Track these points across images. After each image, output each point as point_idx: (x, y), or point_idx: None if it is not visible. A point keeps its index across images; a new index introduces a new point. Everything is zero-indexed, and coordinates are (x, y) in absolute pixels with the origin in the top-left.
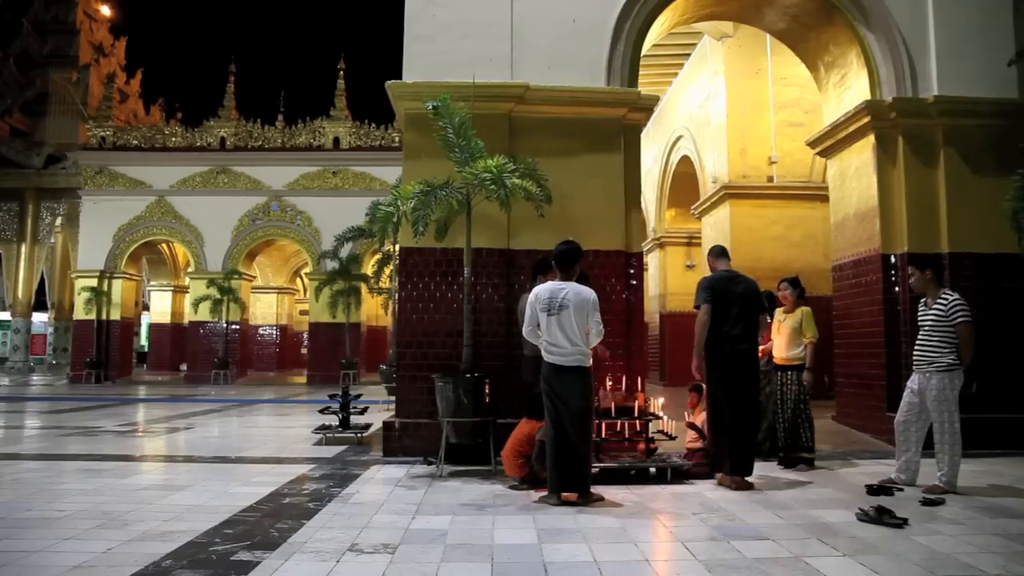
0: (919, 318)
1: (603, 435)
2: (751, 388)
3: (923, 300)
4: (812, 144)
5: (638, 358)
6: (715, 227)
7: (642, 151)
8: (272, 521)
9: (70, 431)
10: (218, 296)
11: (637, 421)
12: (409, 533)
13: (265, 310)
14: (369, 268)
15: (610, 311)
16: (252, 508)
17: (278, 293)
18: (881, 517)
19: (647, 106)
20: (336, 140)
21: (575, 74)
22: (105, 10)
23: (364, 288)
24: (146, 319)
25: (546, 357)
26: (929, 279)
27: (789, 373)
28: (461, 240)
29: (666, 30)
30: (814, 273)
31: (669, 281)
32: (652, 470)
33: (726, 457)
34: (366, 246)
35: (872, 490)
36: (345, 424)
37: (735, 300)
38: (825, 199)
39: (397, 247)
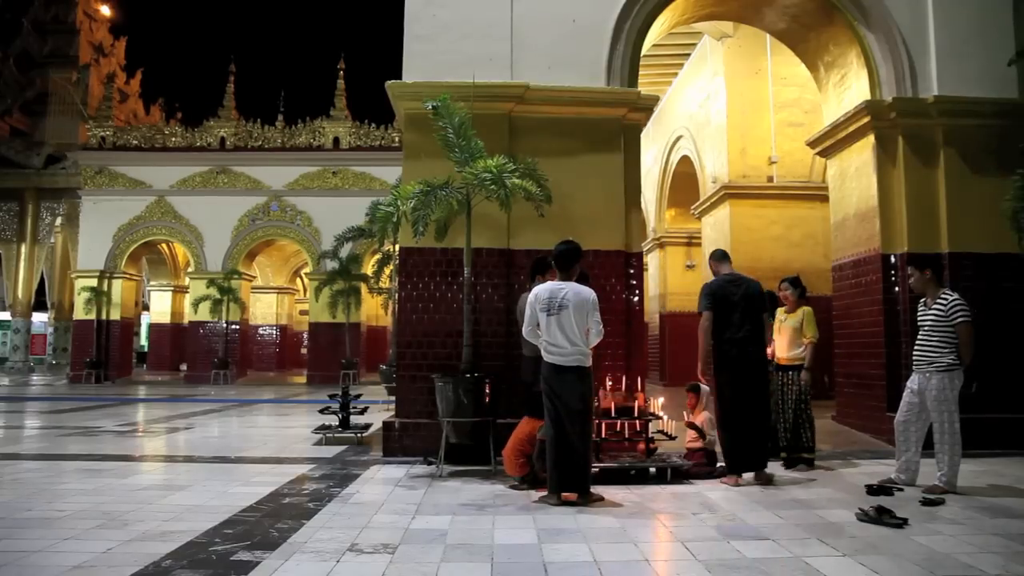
0: (919, 318)
1: (603, 435)
2: (762, 388)
3: (923, 300)
4: (812, 144)
5: (638, 358)
6: (715, 227)
7: (642, 151)
8: (272, 521)
9: (70, 431)
10: (218, 296)
11: (637, 421)
12: (409, 533)
13: (265, 310)
14: (369, 268)
15: (610, 311)
16: (252, 508)
17: (278, 293)
18: (881, 517)
19: (647, 106)
20: (336, 140)
21: (575, 74)
22: (105, 10)
23: (364, 288)
24: (146, 319)
25: (546, 357)
26: (929, 279)
27: (790, 373)
28: (461, 240)
29: (666, 30)
30: (814, 273)
31: (669, 281)
32: (652, 470)
33: (740, 455)
34: (366, 246)
35: (872, 490)
36: (345, 424)
37: (737, 304)
38: (825, 199)
39: (397, 247)
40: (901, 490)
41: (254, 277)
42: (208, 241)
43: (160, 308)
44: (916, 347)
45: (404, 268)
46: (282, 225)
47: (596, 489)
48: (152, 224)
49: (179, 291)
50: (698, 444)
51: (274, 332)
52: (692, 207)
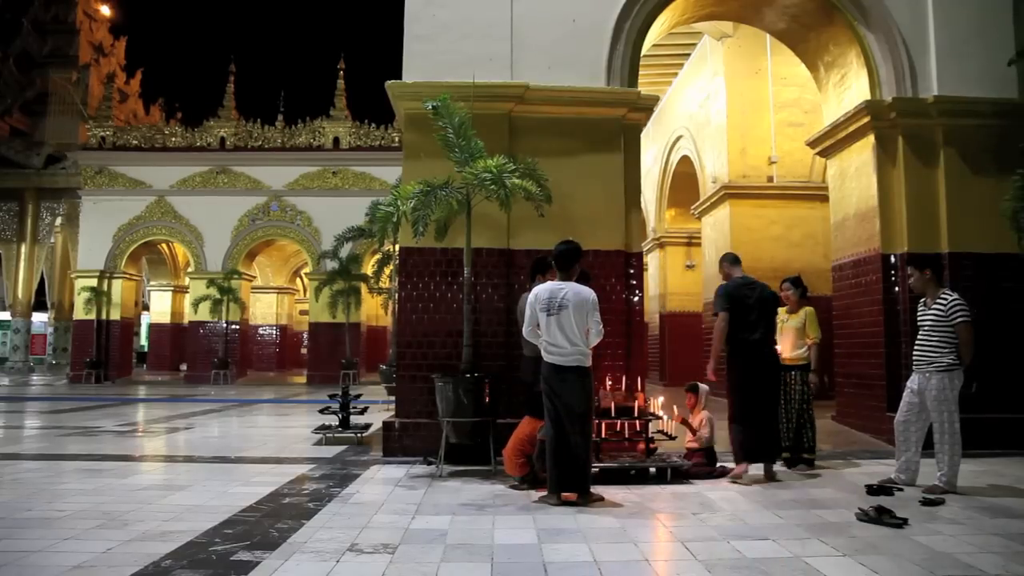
0: (919, 318)
1: (603, 435)
2: (775, 387)
3: (923, 300)
4: (812, 144)
5: (638, 358)
6: (715, 227)
7: (642, 151)
8: (272, 521)
9: (70, 431)
10: (218, 296)
11: (637, 421)
12: (409, 533)
13: (265, 310)
14: (369, 268)
15: (610, 311)
16: (252, 508)
17: (278, 293)
18: (881, 517)
19: (647, 106)
20: (336, 140)
21: (575, 74)
22: (105, 10)
23: (364, 288)
24: (146, 319)
25: (546, 357)
26: (928, 279)
27: (793, 373)
28: (461, 240)
29: (666, 30)
30: (814, 273)
31: (669, 281)
32: (652, 470)
33: (753, 447)
34: (366, 246)
35: (872, 490)
36: (345, 424)
37: (752, 306)
38: (825, 199)
39: (397, 247)
40: (901, 490)
41: (254, 277)
42: (208, 241)
43: (160, 308)
44: (916, 347)
45: (404, 268)
46: (282, 225)
47: (596, 489)
48: (152, 224)
49: (179, 291)
50: (696, 444)
51: (274, 332)
52: (692, 207)
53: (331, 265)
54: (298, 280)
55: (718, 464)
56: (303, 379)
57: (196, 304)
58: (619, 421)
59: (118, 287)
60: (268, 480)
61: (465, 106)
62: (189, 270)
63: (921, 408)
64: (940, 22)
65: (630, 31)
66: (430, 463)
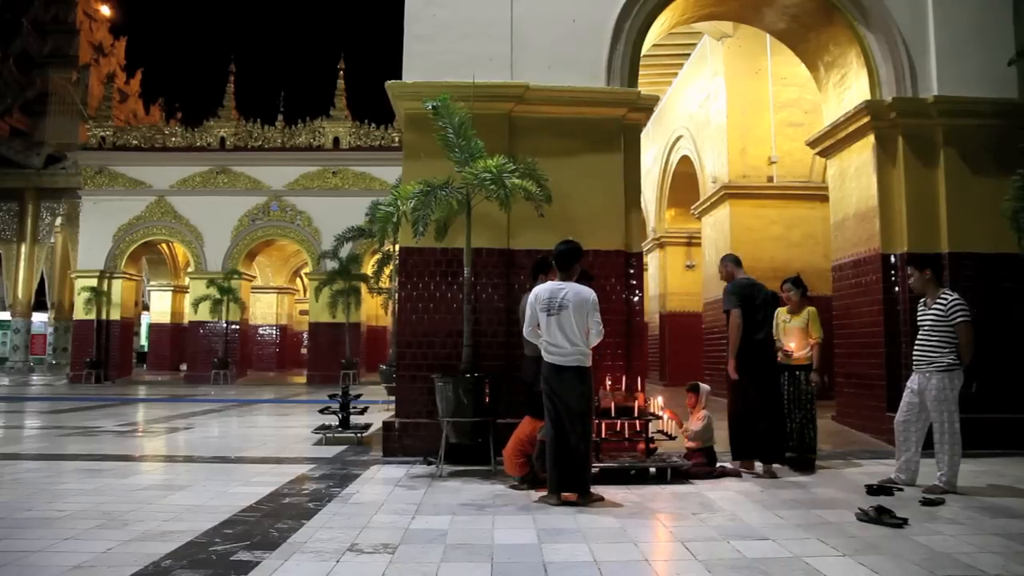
0: (918, 318)
1: (603, 435)
2: (778, 387)
3: (923, 300)
4: (812, 144)
5: (638, 358)
6: (715, 227)
7: (642, 151)
8: (272, 521)
9: (70, 431)
10: (218, 296)
11: (637, 421)
12: (409, 533)
13: (265, 310)
14: (369, 268)
15: (610, 311)
16: (252, 508)
17: (278, 293)
18: (881, 517)
19: (647, 106)
20: (336, 140)
21: (575, 74)
22: (105, 10)
23: (364, 288)
24: (146, 319)
25: (546, 357)
26: (928, 279)
27: (798, 373)
28: (461, 240)
29: (666, 30)
30: (814, 273)
31: (669, 281)
32: (652, 470)
33: (755, 447)
34: (366, 246)
35: (872, 490)
36: (345, 424)
37: (759, 307)
38: (825, 199)
39: (397, 247)
40: (901, 490)
41: (254, 277)
42: (208, 241)
43: (160, 308)
44: (916, 347)
45: (404, 268)
46: (282, 225)
47: (596, 489)
48: (152, 224)
49: (179, 291)
50: (696, 444)
51: (274, 332)
52: (692, 207)
53: (331, 265)
54: (298, 280)
55: (718, 464)
56: (303, 379)
57: (196, 304)
58: (619, 421)
59: (118, 287)
60: (268, 480)
61: (465, 106)
62: (189, 270)
63: (921, 408)
64: (940, 22)
65: (630, 31)
66: (430, 463)
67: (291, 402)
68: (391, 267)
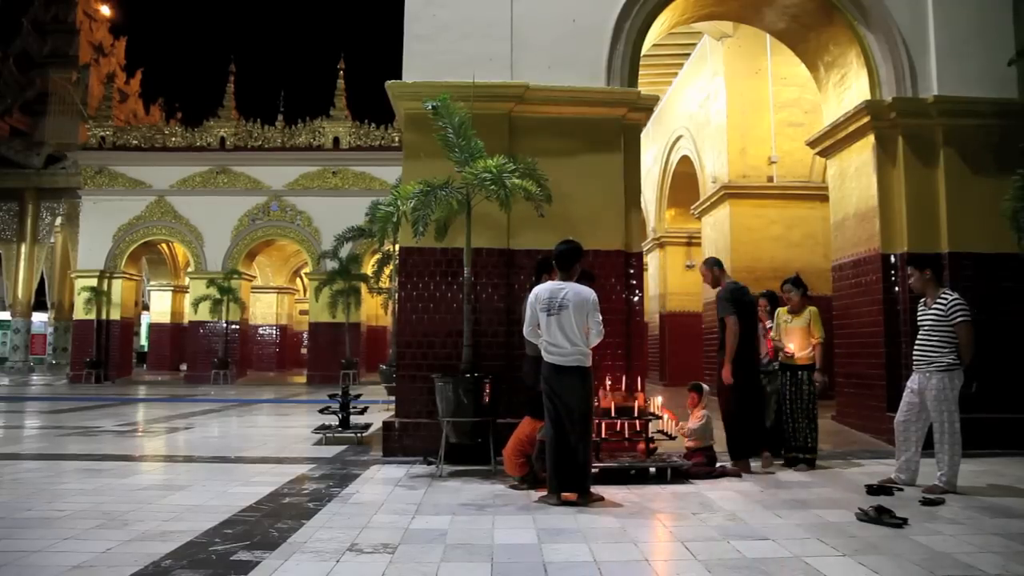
0: (918, 318)
1: (603, 435)
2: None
3: (923, 300)
4: (812, 144)
5: (638, 358)
6: (715, 227)
7: (642, 151)
8: (272, 521)
9: (70, 431)
10: (218, 296)
11: (637, 421)
12: (409, 533)
13: (265, 310)
14: (369, 268)
15: (610, 311)
16: (252, 508)
17: (278, 293)
18: (881, 517)
19: (647, 106)
20: (336, 140)
21: (575, 74)
22: (105, 10)
23: (364, 288)
24: (146, 319)
25: (546, 357)
26: (928, 279)
27: (800, 373)
28: (461, 240)
29: (666, 30)
30: (814, 273)
31: (669, 281)
32: (652, 470)
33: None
34: (366, 246)
35: (872, 490)
36: (345, 424)
37: (750, 311)
38: (825, 199)
39: (397, 247)
40: (901, 490)
41: (254, 277)
42: (208, 241)
43: (160, 308)
44: (916, 347)
45: (404, 268)
46: (282, 225)
47: (596, 489)
48: (152, 224)
49: (179, 291)
50: (695, 444)
51: (274, 332)
52: (692, 207)
53: (331, 265)
54: (298, 280)
55: (718, 464)
56: (303, 379)
57: (196, 304)
58: (619, 421)
59: (118, 287)
60: (268, 480)
61: (465, 106)
62: (189, 270)
63: (921, 408)
64: (940, 22)
65: (630, 31)
66: (430, 463)
67: (291, 402)
68: (391, 267)
